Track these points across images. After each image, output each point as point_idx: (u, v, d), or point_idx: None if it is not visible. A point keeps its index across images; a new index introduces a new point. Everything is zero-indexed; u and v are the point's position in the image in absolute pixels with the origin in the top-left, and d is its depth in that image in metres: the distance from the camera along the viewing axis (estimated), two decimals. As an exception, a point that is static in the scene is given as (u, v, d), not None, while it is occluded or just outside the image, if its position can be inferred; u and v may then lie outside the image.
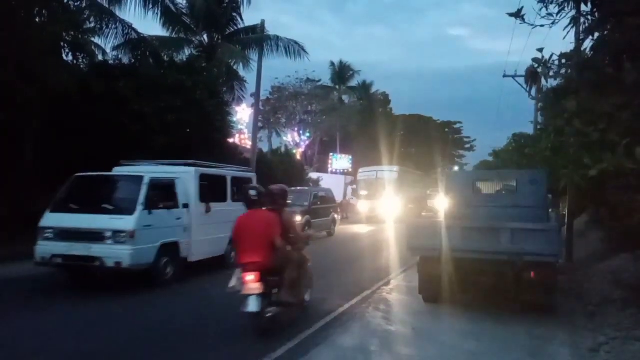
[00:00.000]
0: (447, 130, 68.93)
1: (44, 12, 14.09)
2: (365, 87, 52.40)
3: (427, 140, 60.66)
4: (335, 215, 21.11)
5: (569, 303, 7.83)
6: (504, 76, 25.90)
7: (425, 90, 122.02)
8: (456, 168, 58.61)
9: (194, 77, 17.30)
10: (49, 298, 8.10)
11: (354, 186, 35.44)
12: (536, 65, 5.40)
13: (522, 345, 5.89)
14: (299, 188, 20.89)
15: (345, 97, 49.17)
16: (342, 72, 49.28)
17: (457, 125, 70.32)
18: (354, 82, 50.83)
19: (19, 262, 10.42)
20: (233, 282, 6.09)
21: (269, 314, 5.99)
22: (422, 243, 7.46)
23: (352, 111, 44.18)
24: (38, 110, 13.65)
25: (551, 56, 5.33)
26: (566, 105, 5.91)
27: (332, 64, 49.08)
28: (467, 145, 71.13)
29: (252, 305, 5.70)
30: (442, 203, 31.08)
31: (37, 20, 14.02)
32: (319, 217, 19.24)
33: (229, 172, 12.26)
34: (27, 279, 9.35)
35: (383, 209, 28.44)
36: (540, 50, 5.42)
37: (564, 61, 5.61)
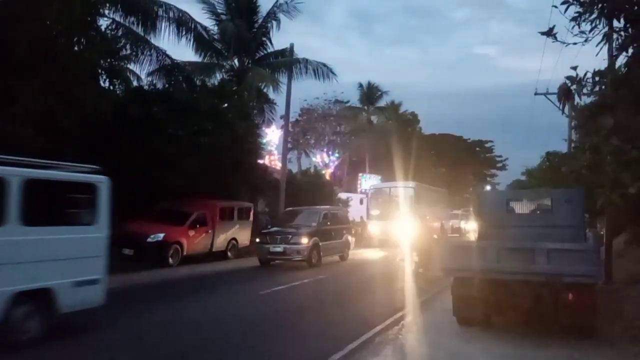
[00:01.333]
0: (478, 149, 68.06)
1: (82, 40, 14.63)
2: (393, 107, 52.36)
3: (457, 159, 60.07)
4: (349, 237, 19.43)
5: (610, 326, 7.54)
6: (536, 94, 25.49)
7: (455, 109, 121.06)
8: (488, 187, 57.66)
9: (225, 100, 17.72)
10: None
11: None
12: (570, 83, 5.33)
13: (562, 369, 5.70)
14: (307, 207, 19.21)
15: (373, 118, 49.26)
16: (370, 93, 49.42)
17: (488, 144, 69.32)
18: (382, 103, 50.88)
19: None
20: None
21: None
22: (456, 264, 7.35)
23: (380, 131, 44.16)
24: (76, 135, 14.09)
25: (585, 74, 5.26)
26: (602, 122, 5.80)
27: (360, 85, 49.31)
28: (499, 164, 70.00)
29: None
30: (471, 224, 29.76)
31: (76, 48, 14.58)
32: (330, 239, 17.48)
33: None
34: None
35: (397, 231, 24.55)
36: (574, 68, 5.36)
37: (597, 78, 5.52)
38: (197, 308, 9.38)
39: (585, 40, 5.58)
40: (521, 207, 10.06)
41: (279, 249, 15.88)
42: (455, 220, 37.18)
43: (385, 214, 26.06)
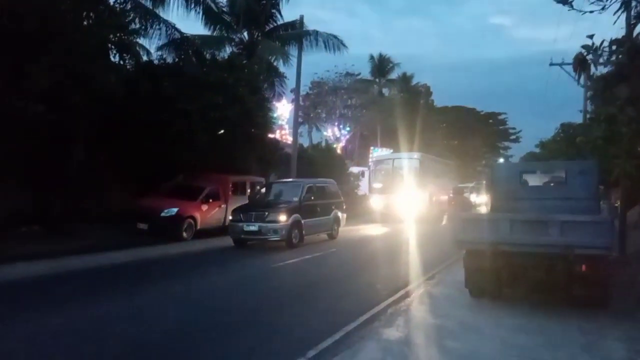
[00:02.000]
0: (491, 121, 67.22)
1: (91, 15, 14.54)
2: (405, 79, 51.77)
3: (470, 132, 59.45)
4: (340, 214, 17.12)
5: (623, 297, 7.52)
6: (551, 64, 25.12)
7: (468, 81, 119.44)
8: (501, 160, 57.18)
9: (235, 74, 17.58)
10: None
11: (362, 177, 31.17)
12: (585, 52, 5.17)
13: (574, 340, 5.70)
14: (289, 180, 17.45)
15: (385, 90, 48.76)
16: (381, 65, 48.84)
17: (502, 116, 68.41)
18: (393, 75, 50.31)
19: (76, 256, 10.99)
20: None
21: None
22: (468, 236, 7.32)
23: (392, 104, 43.71)
24: (86, 111, 14.13)
25: (602, 43, 5.09)
26: (618, 93, 5.66)
27: (372, 57, 48.72)
28: (513, 137, 69.21)
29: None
30: (482, 197, 29.27)
31: (85, 23, 14.49)
32: (315, 215, 15.56)
33: None
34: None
35: (401, 206, 23.33)
36: (591, 36, 5.19)
37: (614, 47, 5.35)
38: (205, 281, 9.53)
39: (603, 8, 5.39)
40: (535, 180, 9.97)
41: (254, 227, 14.01)
42: (465, 194, 35.88)
43: (388, 187, 24.46)
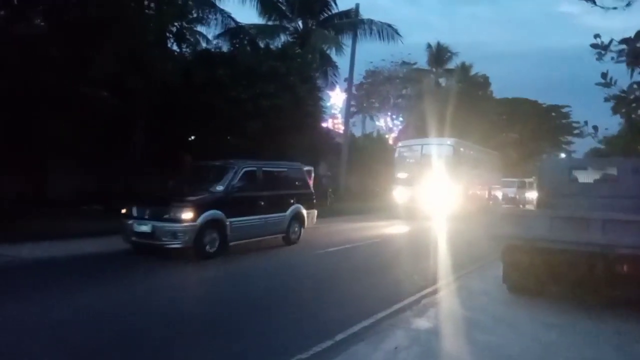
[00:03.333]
0: (553, 114, 64.57)
1: (151, 4, 15.21)
2: (464, 69, 50.44)
3: (531, 125, 57.37)
4: (304, 210, 12.81)
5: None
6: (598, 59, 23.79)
7: (530, 71, 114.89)
8: (563, 155, 55.00)
9: (287, 63, 17.87)
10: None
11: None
12: (595, 51, 5.01)
13: (607, 340, 5.59)
14: (220, 162, 11.77)
15: (442, 80, 47.83)
16: (439, 54, 47.84)
17: (565, 109, 65.54)
18: (452, 64, 49.19)
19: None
20: None
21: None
22: (507, 231, 7.25)
23: (448, 94, 42.88)
24: (146, 97, 14.84)
25: (610, 41, 4.93)
26: None
27: (429, 45, 47.77)
28: (577, 131, 66.22)
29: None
30: (533, 194, 27.51)
31: (146, 12, 15.16)
32: (255, 212, 11.20)
33: None
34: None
35: (429, 200, 20.28)
36: (597, 36, 5.04)
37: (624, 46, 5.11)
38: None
39: (628, 4, 5.19)
40: (585, 176, 9.67)
41: (146, 227, 9.76)
42: (511, 189, 33.59)
43: (415, 178, 21.18)
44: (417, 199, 20.72)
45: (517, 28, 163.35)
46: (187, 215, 9.65)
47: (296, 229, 12.68)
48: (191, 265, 9.63)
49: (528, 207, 25.37)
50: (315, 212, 13.73)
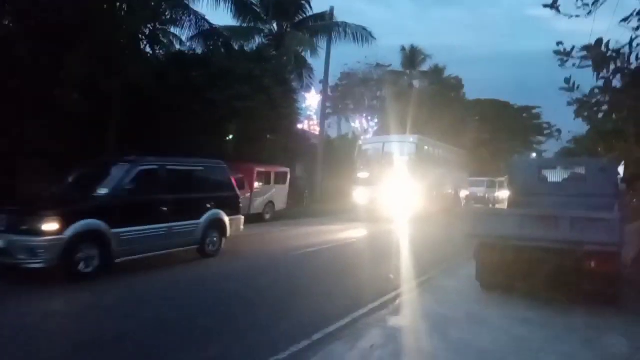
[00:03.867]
0: (525, 115, 65.93)
1: (124, 6, 15.04)
2: (437, 71, 51.13)
3: (503, 126, 58.42)
4: (224, 216, 10.82)
5: (634, 295, 7.49)
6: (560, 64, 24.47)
7: (502, 74, 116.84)
8: (534, 155, 56.16)
9: (262, 65, 17.90)
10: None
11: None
12: (558, 57, 5.23)
13: (577, 334, 5.77)
14: (115, 159, 10.45)
15: (416, 82, 48.38)
16: (413, 57, 48.39)
17: (536, 110, 67.00)
18: (425, 67, 49.83)
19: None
20: None
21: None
22: (480, 230, 7.41)
23: (422, 96, 43.40)
24: (119, 100, 14.66)
25: (572, 48, 5.17)
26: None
27: (403, 48, 48.28)
28: (547, 131, 67.73)
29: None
30: (503, 193, 27.35)
31: (119, 14, 14.99)
32: (155, 219, 9.28)
33: None
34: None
35: (391, 201, 19.11)
36: (560, 43, 5.27)
37: (585, 53, 5.35)
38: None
39: (589, 13, 5.44)
40: (554, 176, 9.94)
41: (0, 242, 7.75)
42: (480, 189, 33.21)
43: (376, 178, 19.91)
44: (378, 200, 19.51)
45: (489, 31, 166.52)
46: (50, 226, 7.60)
47: (215, 238, 10.56)
48: (56, 290, 7.43)
49: (498, 206, 25.46)
50: (242, 218, 11.73)
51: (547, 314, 6.60)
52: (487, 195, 32.69)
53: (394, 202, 18.95)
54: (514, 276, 7.36)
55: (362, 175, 20.71)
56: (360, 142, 22.07)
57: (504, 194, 31.07)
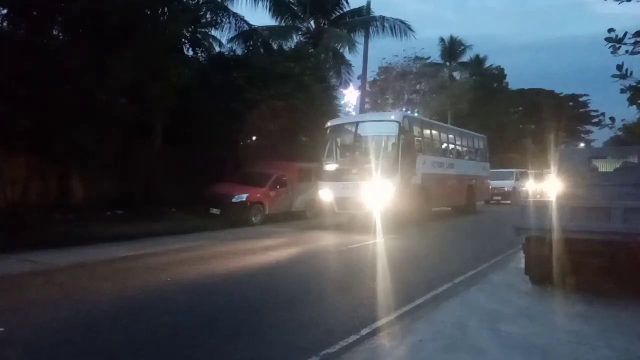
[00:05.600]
0: (571, 104, 63.82)
1: (165, 11, 15.43)
2: (478, 62, 50.19)
3: (548, 115, 56.81)
4: None
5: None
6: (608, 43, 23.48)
7: (546, 62, 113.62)
8: (582, 145, 54.26)
9: (301, 63, 18.01)
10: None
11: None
12: (610, 45, 5.03)
13: (631, 328, 5.59)
14: None
15: (456, 74, 47.58)
16: (452, 48, 47.63)
17: (583, 99, 64.77)
18: (465, 58, 48.93)
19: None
20: None
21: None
22: (529, 223, 7.26)
23: (463, 88, 42.61)
24: (163, 103, 15.08)
25: (625, 35, 4.97)
26: None
27: (442, 40, 47.62)
28: (595, 120, 65.26)
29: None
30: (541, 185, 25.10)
31: (161, 19, 15.40)
32: None
33: None
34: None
35: (367, 201, 14.60)
36: (610, 30, 5.06)
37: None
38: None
39: None
40: (605, 166, 9.62)
41: None
42: (506, 182, 29.22)
43: (347, 171, 15.44)
44: (350, 201, 15.04)
45: (532, 19, 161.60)
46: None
47: None
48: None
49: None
50: None
51: (600, 307, 6.42)
52: (516, 190, 28.88)
53: (373, 204, 14.40)
54: (564, 270, 7.20)
55: (330, 167, 16.03)
56: (329, 123, 16.51)
57: (541, 186, 28.99)
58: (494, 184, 26.29)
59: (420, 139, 17.16)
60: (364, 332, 5.50)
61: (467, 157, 21.30)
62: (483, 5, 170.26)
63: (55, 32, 13.98)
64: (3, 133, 11.94)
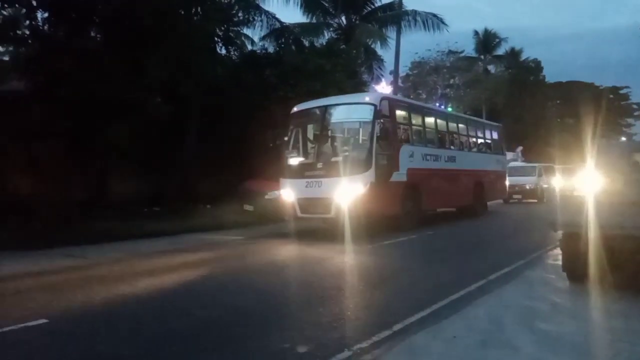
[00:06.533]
0: (611, 96, 61.74)
1: (198, 10, 15.68)
2: (513, 54, 49.25)
3: (587, 108, 55.20)
4: None
5: None
6: None
7: (584, 53, 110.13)
8: (623, 139, 52.49)
9: (332, 60, 18.01)
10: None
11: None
12: None
13: (676, 327, 5.40)
14: None
15: (491, 67, 46.77)
16: (487, 41, 46.88)
17: (624, 91, 62.58)
18: (500, 51, 48.07)
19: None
20: None
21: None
22: (567, 219, 7.10)
23: (499, 82, 41.83)
24: (197, 101, 15.33)
25: None
26: None
27: (476, 32, 46.91)
28: (637, 113, 63.07)
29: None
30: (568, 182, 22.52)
31: (194, 18, 15.65)
32: None
33: None
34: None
35: (334, 201, 11.87)
36: None
37: None
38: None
39: None
40: (649, 159, 9.28)
41: None
42: (527, 178, 25.59)
43: (311, 165, 12.68)
44: (313, 202, 12.37)
45: (569, 9, 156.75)
46: None
47: None
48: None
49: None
50: None
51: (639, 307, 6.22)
52: (539, 186, 25.67)
53: (339, 206, 11.71)
54: (603, 267, 7.00)
55: (293, 161, 13.24)
56: (295, 108, 13.92)
57: (571, 182, 25.12)
58: (514, 180, 23.41)
59: (407, 126, 14.16)
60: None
61: (474, 149, 18.20)
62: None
63: (92, 34, 14.38)
64: (44, 132, 12.37)
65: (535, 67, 54.54)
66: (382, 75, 27.07)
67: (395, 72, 25.48)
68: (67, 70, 12.05)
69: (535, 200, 24.95)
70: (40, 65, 12.75)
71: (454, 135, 16.90)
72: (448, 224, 15.72)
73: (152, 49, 13.32)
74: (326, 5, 23.93)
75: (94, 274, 8.47)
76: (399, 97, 15.08)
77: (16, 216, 11.06)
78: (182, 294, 7.12)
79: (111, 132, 13.18)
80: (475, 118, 21.63)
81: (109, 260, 9.62)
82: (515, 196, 24.62)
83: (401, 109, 14.28)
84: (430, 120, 15.54)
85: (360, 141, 12.99)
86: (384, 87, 32.78)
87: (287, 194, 12.94)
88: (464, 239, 12.94)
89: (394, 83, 26.22)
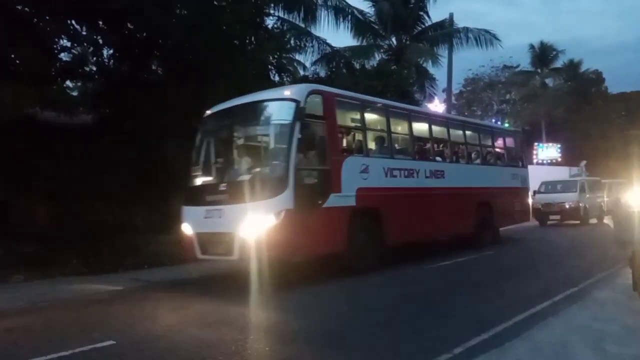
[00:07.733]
0: (682, 104, 58.31)
1: (253, 40, 16.19)
2: (572, 66, 47.62)
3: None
4: None
5: None
6: None
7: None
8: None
9: (383, 80, 18.09)
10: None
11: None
12: None
13: None
14: None
15: (548, 81, 45.42)
16: (543, 54, 45.69)
17: (697, 98, 58.85)
18: (558, 63, 46.65)
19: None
20: None
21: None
22: (634, 235, 6.77)
23: (557, 95, 40.53)
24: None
25: None
26: None
27: (532, 46, 45.84)
28: None
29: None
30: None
31: (248, 48, 16.17)
32: None
33: None
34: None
35: (240, 239, 8.48)
36: None
37: None
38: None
39: None
40: None
41: None
42: (567, 195, 21.70)
43: (213, 186, 9.69)
44: (213, 238, 9.20)
45: (628, 17, 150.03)
46: None
47: None
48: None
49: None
50: None
51: None
52: (584, 205, 21.65)
53: (243, 243, 8.50)
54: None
55: (197, 177, 10.32)
56: (207, 112, 11.00)
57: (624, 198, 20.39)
58: (549, 198, 21.25)
59: (359, 131, 10.68)
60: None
61: (477, 161, 14.42)
62: (575, 7, 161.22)
63: (154, 67, 15.14)
64: (110, 161, 13.06)
65: (596, 78, 52.47)
66: (434, 93, 26.94)
67: (448, 90, 25.23)
68: (131, 102, 12.72)
69: (578, 222, 21.45)
70: (106, 99, 13.56)
71: (443, 143, 13.43)
72: (431, 261, 11.37)
73: (210, 80, 13.83)
74: (376, 27, 24.13)
75: (156, 297, 8.78)
76: (343, 91, 11.00)
77: (85, 242, 11.67)
78: (244, 315, 7.20)
79: (174, 160, 13.70)
80: (477, 121, 18.36)
81: (169, 283, 9.95)
82: (552, 217, 21.62)
83: (347, 107, 10.71)
84: (400, 122, 12.01)
85: (275, 152, 9.10)
86: (437, 105, 32.58)
87: (186, 227, 9.79)
88: (437, 291, 8.65)
89: (447, 101, 25.96)
